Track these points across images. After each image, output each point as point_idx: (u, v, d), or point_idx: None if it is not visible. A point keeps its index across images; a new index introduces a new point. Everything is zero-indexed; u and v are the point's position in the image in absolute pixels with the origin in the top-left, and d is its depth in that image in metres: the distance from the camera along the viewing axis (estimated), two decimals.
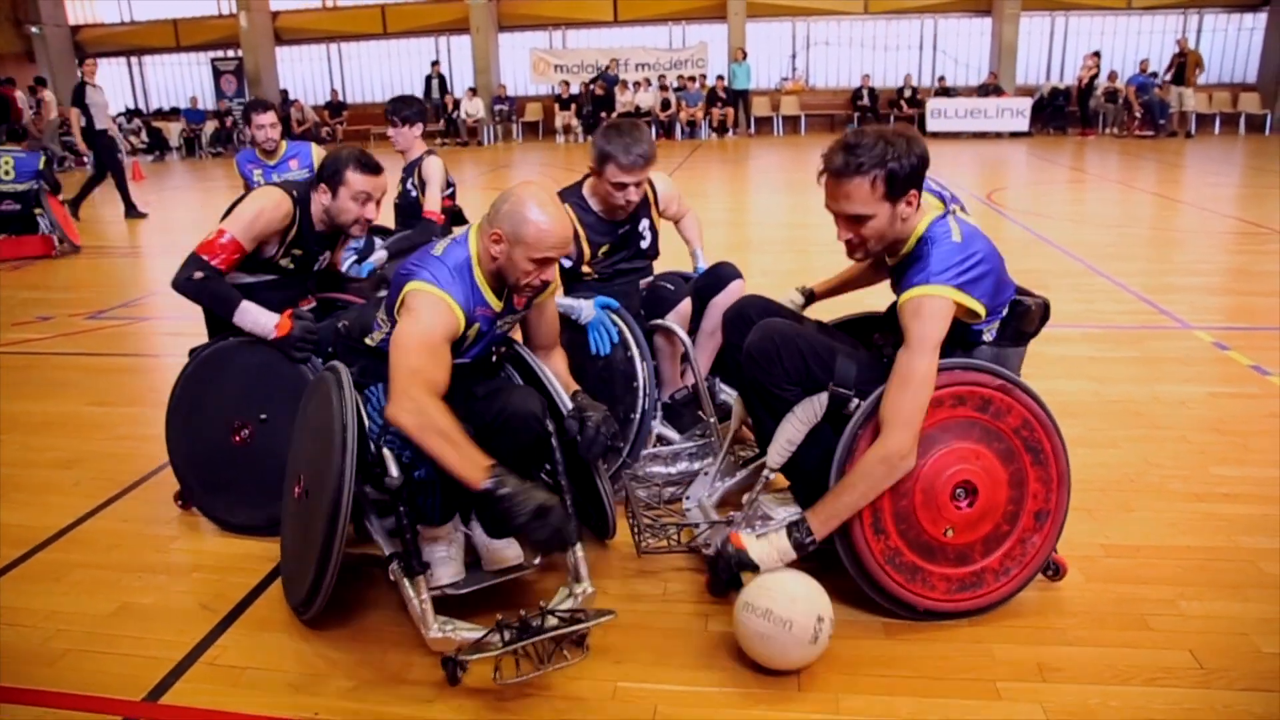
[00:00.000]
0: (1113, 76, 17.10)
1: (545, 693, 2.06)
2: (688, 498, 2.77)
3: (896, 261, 2.30)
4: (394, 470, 2.14)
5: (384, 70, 21.37)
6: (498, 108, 19.47)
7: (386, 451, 2.17)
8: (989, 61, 18.84)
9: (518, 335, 2.60)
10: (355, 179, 2.82)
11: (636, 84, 18.90)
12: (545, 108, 19.79)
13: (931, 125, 17.31)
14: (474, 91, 19.33)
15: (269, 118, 5.02)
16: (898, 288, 2.27)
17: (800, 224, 8.78)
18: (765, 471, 2.44)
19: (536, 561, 2.39)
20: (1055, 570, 2.41)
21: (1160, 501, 2.89)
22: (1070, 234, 7.58)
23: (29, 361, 4.93)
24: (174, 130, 20.21)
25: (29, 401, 4.22)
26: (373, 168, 2.85)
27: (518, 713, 2.00)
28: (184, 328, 5.24)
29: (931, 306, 2.10)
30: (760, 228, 8.91)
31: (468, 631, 2.08)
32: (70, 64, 21.29)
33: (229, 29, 20.71)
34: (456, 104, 19.01)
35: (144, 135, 20.02)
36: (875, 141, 2.09)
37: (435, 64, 19.78)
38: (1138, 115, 16.55)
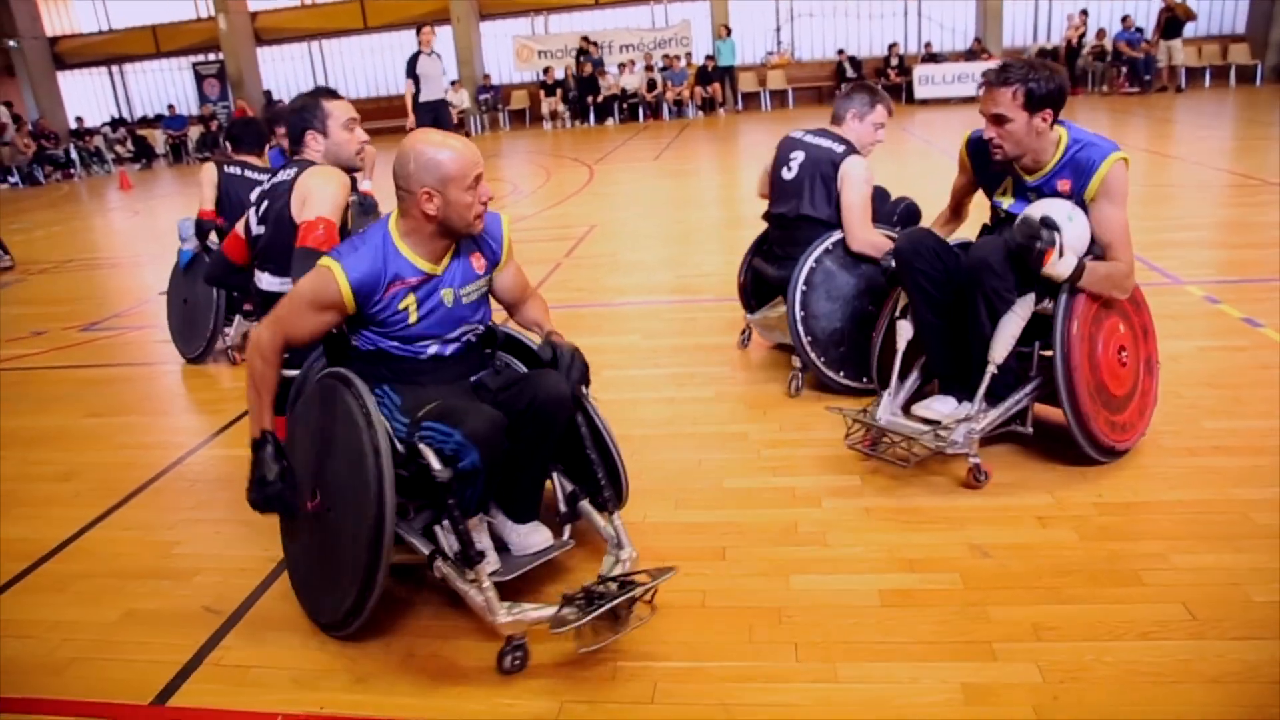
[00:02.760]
0: (1100, 34, 16.99)
1: (545, 675, 2.09)
2: (878, 419, 2.95)
3: (1040, 175, 2.84)
4: (436, 464, 2.11)
5: (367, 65, 21.27)
6: (483, 97, 19.39)
7: (425, 448, 2.13)
8: (975, 25, 18.72)
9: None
10: (334, 107, 2.82)
11: (621, 65, 18.81)
12: (530, 95, 19.70)
13: (920, 92, 17.24)
14: (457, 83, 19.25)
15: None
16: (1037, 193, 2.85)
17: None
18: (990, 367, 2.80)
19: (570, 541, 2.40)
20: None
21: (1153, 457, 2.90)
22: None
23: (24, 377, 4.95)
24: (159, 138, 20.16)
25: (26, 416, 4.24)
26: (337, 93, 2.89)
27: (520, 695, 2.03)
28: None
29: (1120, 171, 2.75)
30: (755, 204, 8.88)
31: (534, 612, 2.08)
32: (50, 76, 21.25)
33: (208, 32, 20.60)
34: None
35: (129, 144, 19.97)
36: (1023, 65, 2.73)
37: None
38: (1123, 71, 16.45)
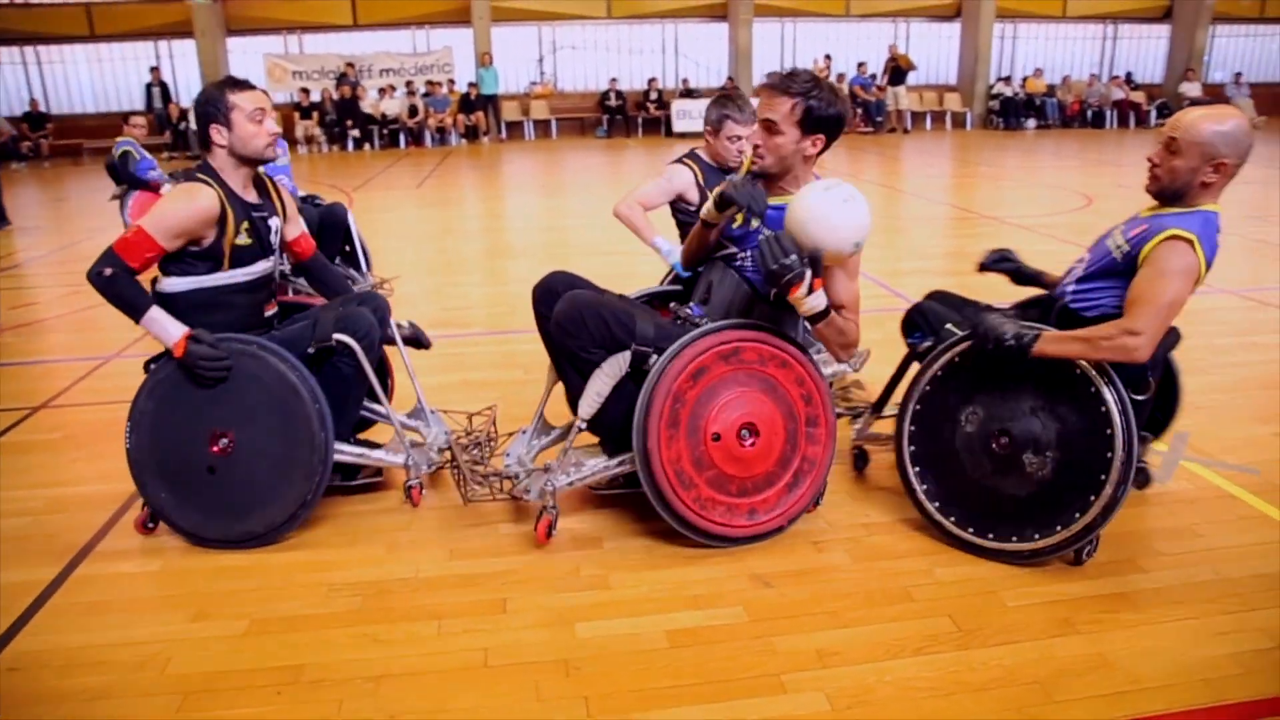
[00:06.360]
0: (840, 78, 18.53)
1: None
2: (508, 454, 2.90)
3: (781, 200, 2.60)
4: None
5: (95, 77, 19.16)
6: None
7: None
8: (728, 64, 19.81)
9: None
10: (239, 98, 2.66)
11: (381, 90, 18.19)
12: (285, 117, 18.55)
13: (677, 126, 17.92)
14: None
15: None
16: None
17: (559, 227, 8.75)
18: (577, 423, 2.65)
19: None
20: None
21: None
22: None
23: None
24: None
25: None
26: (246, 83, 2.73)
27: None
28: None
29: None
30: (520, 233, 8.78)
31: None
32: None
33: None
34: (183, 114, 17.41)
35: None
36: (810, 79, 2.51)
37: (155, 70, 18.04)
38: (859, 113, 18.08)
